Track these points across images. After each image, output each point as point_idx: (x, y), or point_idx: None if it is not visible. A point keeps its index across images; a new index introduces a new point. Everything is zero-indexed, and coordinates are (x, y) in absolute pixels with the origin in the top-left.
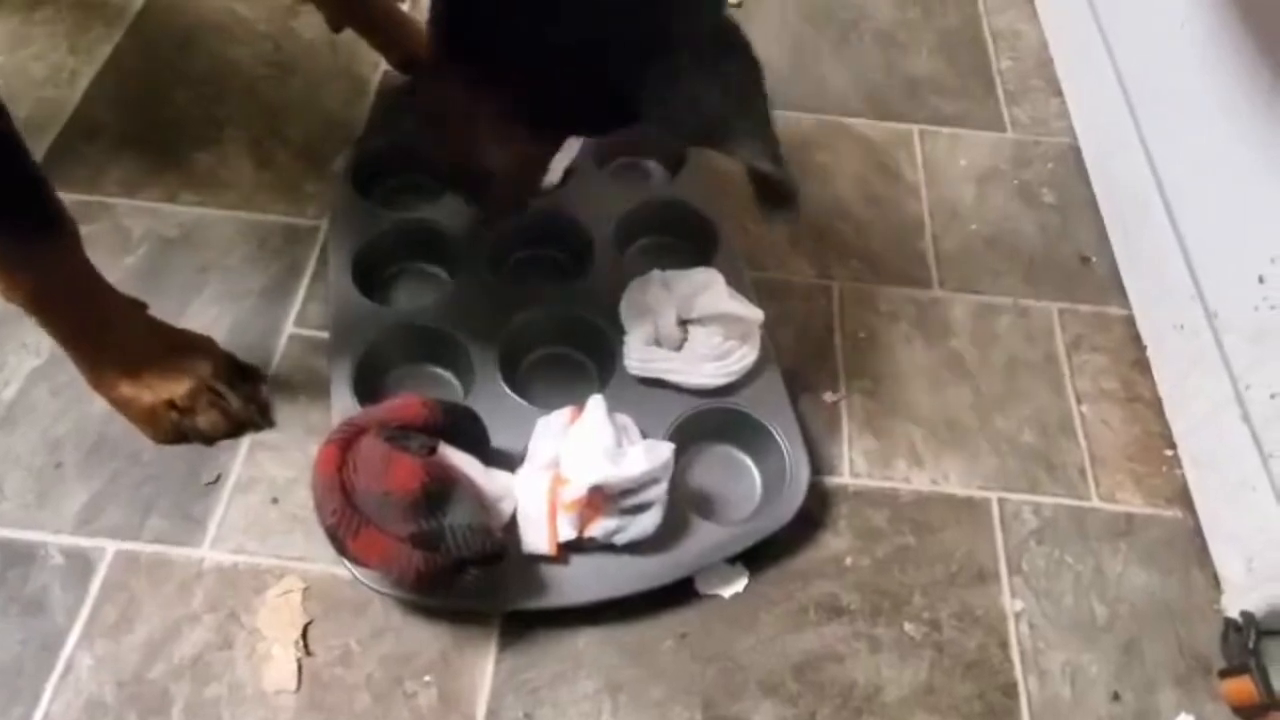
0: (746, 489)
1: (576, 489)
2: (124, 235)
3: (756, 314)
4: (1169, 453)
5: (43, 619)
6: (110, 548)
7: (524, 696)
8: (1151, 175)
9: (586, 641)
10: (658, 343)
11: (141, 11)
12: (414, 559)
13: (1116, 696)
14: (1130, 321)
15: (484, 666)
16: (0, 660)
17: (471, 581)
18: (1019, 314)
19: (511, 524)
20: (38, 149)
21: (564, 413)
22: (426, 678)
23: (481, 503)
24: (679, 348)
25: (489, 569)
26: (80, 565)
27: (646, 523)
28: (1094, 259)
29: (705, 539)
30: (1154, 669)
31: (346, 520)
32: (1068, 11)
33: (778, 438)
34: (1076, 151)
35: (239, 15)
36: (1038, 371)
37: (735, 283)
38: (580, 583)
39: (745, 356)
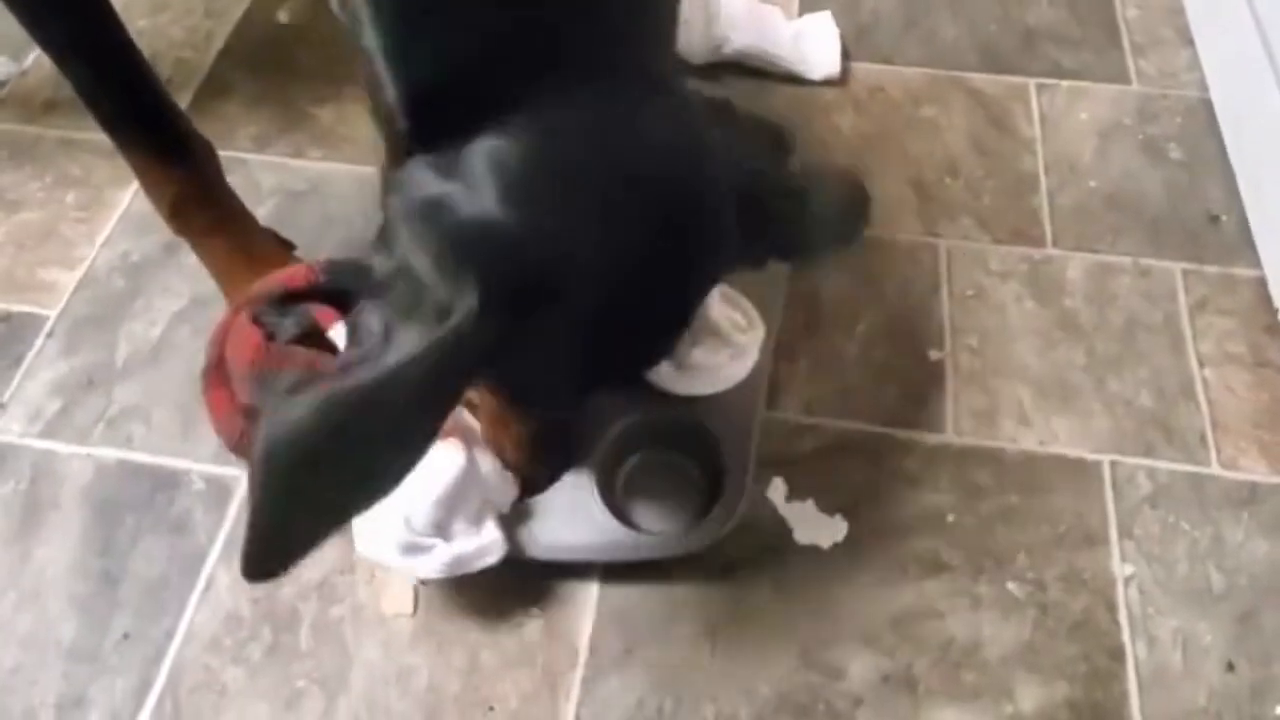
0: (688, 498)
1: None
2: (256, 188)
3: (754, 332)
4: None
5: (186, 539)
6: (244, 476)
7: (625, 634)
8: None
9: (686, 585)
10: None
11: None
12: (239, 426)
13: (1231, 667)
14: (1261, 283)
15: (587, 603)
16: (150, 574)
17: None
18: (1139, 274)
19: None
20: None
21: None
22: (533, 610)
23: None
24: None
25: None
26: (219, 491)
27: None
28: (1223, 218)
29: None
30: (1273, 641)
31: (211, 374)
32: None
33: (725, 458)
34: (1208, 105)
35: None
36: (1157, 334)
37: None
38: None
39: (728, 370)
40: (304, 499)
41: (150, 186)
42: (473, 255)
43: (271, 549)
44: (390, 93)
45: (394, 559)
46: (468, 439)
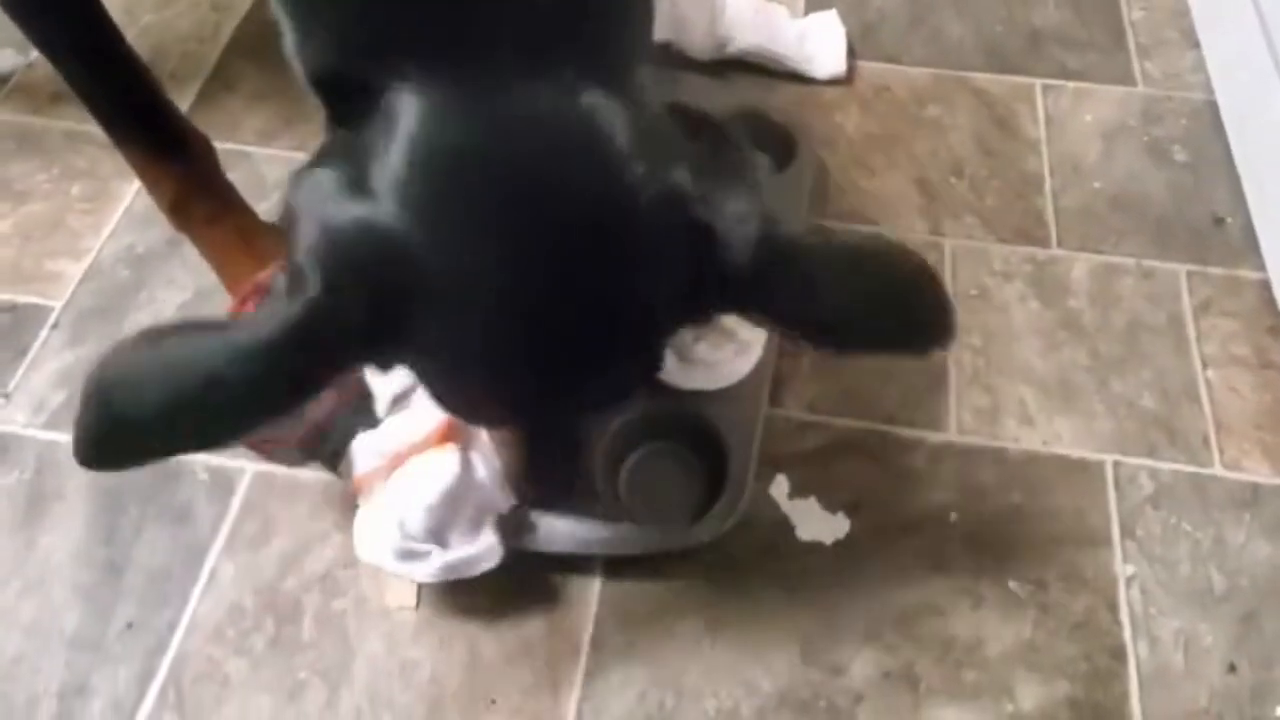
0: (690, 492)
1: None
2: (260, 182)
3: (758, 328)
4: None
5: (190, 530)
6: (249, 469)
7: (626, 629)
8: None
9: (688, 581)
10: None
11: None
12: None
13: (1232, 668)
14: (1265, 285)
15: (589, 597)
16: (153, 565)
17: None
18: (1143, 275)
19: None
20: (183, 100)
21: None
22: (536, 604)
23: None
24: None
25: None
26: (223, 483)
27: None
28: (1228, 220)
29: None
30: (1274, 642)
31: None
32: None
33: (728, 453)
34: (1213, 107)
35: None
36: (1161, 335)
37: None
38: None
39: (732, 366)
40: (129, 430)
41: (149, 183)
42: (335, 244)
43: (99, 455)
44: (299, 76)
45: (390, 564)
46: (464, 444)
